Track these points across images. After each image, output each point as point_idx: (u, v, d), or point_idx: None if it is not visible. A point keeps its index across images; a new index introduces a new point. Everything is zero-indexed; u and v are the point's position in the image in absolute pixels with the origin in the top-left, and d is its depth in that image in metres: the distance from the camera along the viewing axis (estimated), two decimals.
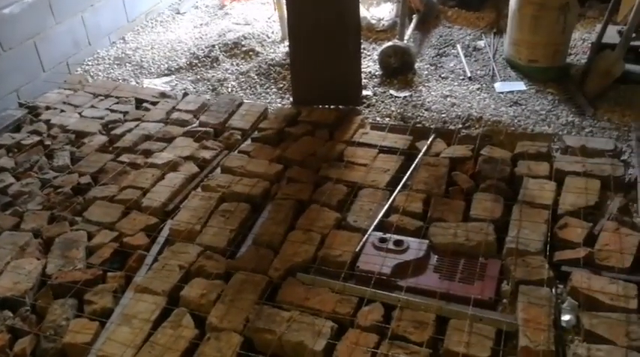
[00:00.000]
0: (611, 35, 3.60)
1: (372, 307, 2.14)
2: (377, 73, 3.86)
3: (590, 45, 3.74)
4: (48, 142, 3.31)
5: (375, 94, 3.63)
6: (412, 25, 4.26)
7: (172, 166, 3.02)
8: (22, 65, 3.75)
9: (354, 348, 1.97)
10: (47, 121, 3.52)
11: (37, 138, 3.33)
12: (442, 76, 3.81)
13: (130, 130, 3.37)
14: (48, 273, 2.40)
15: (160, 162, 3.04)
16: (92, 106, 3.67)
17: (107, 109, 3.63)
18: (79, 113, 3.59)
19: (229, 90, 3.85)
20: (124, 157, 3.13)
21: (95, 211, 2.74)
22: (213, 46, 4.32)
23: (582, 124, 3.19)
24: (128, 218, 2.69)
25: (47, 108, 3.68)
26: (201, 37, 4.57)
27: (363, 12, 4.32)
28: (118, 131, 3.37)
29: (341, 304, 2.15)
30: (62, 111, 3.62)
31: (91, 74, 4.18)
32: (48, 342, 2.12)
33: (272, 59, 4.09)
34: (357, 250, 2.38)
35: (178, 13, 5.11)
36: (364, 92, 3.62)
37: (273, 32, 4.55)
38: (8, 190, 2.92)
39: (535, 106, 3.38)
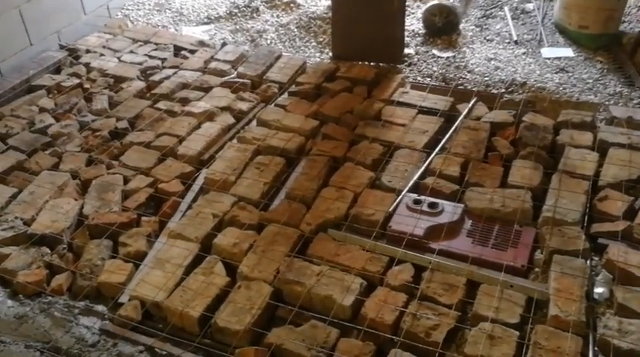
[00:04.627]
0: None
1: (403, 267, 2.14)
2: (420, 32, 3.77)
3: None
4: (87, 86, 3.34)
5: (417, 53, 3.55)
6: None
7: (209, 115, 3.02)
8: (63, 7, 3.76)
9: (382, 305, 1.98)
10: (87, 65, 3.54)
11: (76, 81, 3.36)
12: (487, 38, 3.70)
13: (167, 77, 3.37)
14: (85, 213, 2.45)
15: (196, 111, 3.04)
16: (131, 52, 3.67)
17: (146, 55, 3.63)
18: (118, 58, 3.61)
19: (268, 42, 3.81)
20: (161, 104, 3.14)
21: (131, 155, 2.77)
22: None
23: (631, 95, 3.07)
24: (164, 165, 2.71)
25: (87, 51, 3.70)
26: None
27: None
28: (155, 78, 3.38)
29: (371, 263, 2.16)
30: (102, 55, 3.64)
31: (131, 19, 4.17)
32: (84, 280, 2.18)
33: (313, 12, 4.02)
34: (390, 210, 2.37)
35: None
36: (406, 50, 3.54)
37: None
38: (48, 130, 2.96)
39: (582, 74, 3.27)
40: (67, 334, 1.99)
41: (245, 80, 3.32)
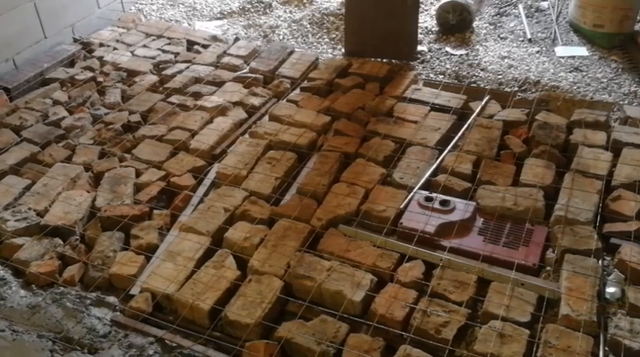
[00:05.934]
0: None
1: (413, 264, 2.14)
2: (433, 29, 3.76)
3: None
4: (100, 79, 3.36)
5: (430, 51, 3.54)
6: None
7: (221, 110, 3.03)
8: (78, 0, 3.77)
9: (392, 302, 1.98)
10: (100, 58, 3.56)
11: (90, 74, 3.38)
12: (501, 36, 3.68)
13: (180, 72, 3.38)
14: (97, 206, 2.46)
15: (209, 105, 3.05)
16: (144, 46, 3.69)
17: (159, 49, 3.64)
18: (132, 52, 3.62)
19: (281, 37, 3.81)
20: (174, 98, 3.15)
21: (144, 149, 2.79)
22: None
23: None
24: (176, 158, 2.72)
25: (100, 45, 3.72)
26: None
27: None
28: (168, 72, 3.39)
29: (382, 259, 2.16)
30: (115, 49, 3.65)
31: (144, 13, 4.18)
32: (96, 271, 2.20)
33: (326, 8, 4.02)
34: (401, 206, 2.36)
35: None
36: (419, 47, 3.53)
37: None
38: (61, 123, 2.98)
39: (596, 74, 3.24)
40: (79, 325, 2.00)
41: (257, 75, 3.32)
